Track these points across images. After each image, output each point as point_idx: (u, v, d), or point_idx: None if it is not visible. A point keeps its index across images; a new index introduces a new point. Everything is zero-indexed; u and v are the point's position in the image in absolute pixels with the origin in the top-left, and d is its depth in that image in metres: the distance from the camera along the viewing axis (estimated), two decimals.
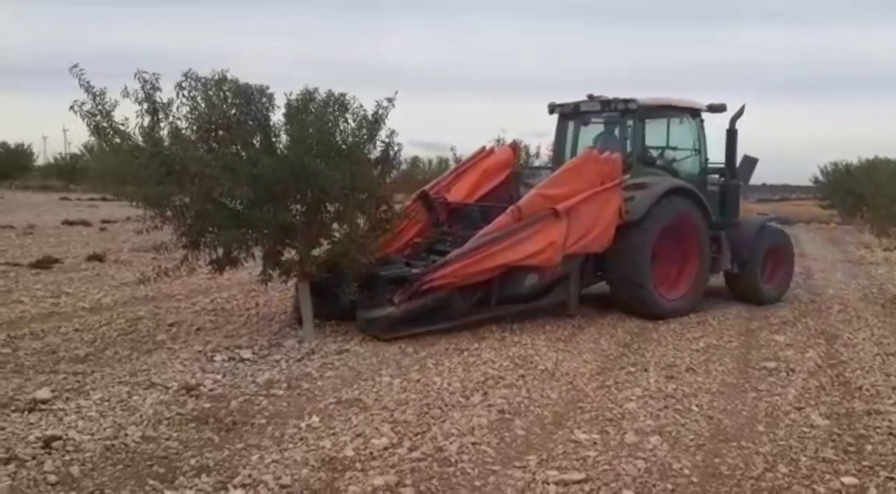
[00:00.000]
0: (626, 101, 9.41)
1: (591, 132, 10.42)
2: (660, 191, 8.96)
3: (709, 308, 9.71)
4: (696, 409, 5.71)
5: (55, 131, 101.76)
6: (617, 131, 10.02)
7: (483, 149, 10.13)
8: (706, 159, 10.21)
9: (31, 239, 16.12)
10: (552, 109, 10.29)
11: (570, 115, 10.27)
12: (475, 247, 7.78)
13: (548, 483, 4.26)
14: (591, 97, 9.91)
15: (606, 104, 9.69)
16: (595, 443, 4.91)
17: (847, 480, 4.44)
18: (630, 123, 9.60)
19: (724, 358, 7.29)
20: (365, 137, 7.16)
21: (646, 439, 5.01)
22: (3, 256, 12.79)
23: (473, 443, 4.83)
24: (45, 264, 11.71)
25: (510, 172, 9.96)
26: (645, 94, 9.69)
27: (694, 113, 10.08)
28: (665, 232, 9.10)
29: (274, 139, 6.99)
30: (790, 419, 5.55)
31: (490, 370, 6.51)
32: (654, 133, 10.01)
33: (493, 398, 5.76)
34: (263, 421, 5.13)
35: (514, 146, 10.53)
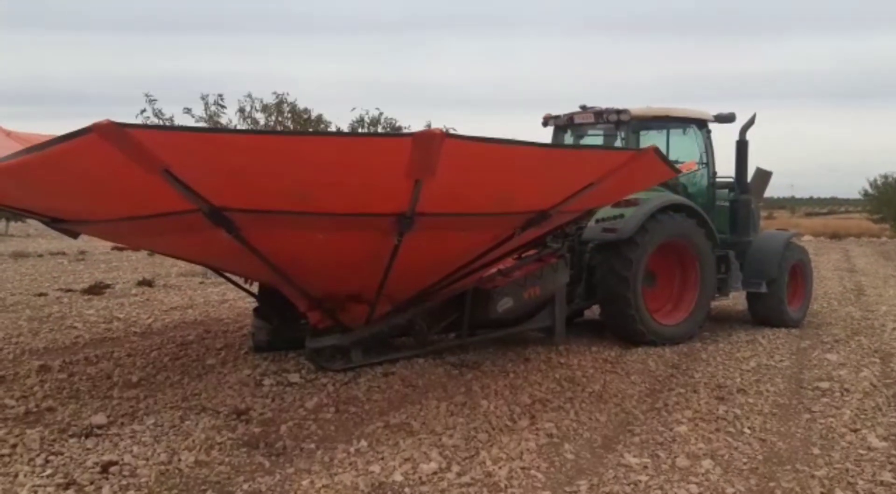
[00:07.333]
0: (618, 111, 8.96)
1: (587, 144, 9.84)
2: (652, 208, 8.45)
3: (758, 327, 9.54)
4: (748, 431, 5.62)
5: None
6: (615, 143, 9.42)
7: None
8: (714, 173, 9.63)
9: (83, 265, 16.53)
10: (546, 121, 9.85)
11: (564, 127, 9.81)
12: None
13: None
14: (584, 108, 9.48)
15: (599, 115, 9.25)
16: (646, 467, 4.86)
17: None
18: (623, 134, 9.11)
19: (776, 378, 7.16)
20: None
21: (698, 463, 4.94)
22: (56, 282, 13.13)
23: (523, 468, 4.81)
24: (96, 289, 11.96)
25: None
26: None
27: (699, 124, 9.52)
28: (661, 252, 8.65)
29: None
30: (846, 441, 5.43)
31: (537, 393, 6.48)
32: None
33: (542, 421, 5.73)
34: (313, 446, 5.17)
35: None
